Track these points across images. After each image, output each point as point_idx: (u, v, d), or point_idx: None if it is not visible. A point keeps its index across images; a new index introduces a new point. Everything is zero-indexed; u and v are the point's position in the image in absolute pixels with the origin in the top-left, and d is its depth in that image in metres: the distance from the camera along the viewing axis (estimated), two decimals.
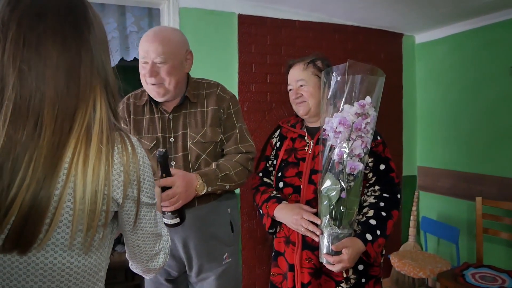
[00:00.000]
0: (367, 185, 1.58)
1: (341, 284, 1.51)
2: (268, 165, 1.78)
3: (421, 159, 3.24)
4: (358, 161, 1.35)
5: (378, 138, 1.60)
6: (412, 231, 3.08)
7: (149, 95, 1.48)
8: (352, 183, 1.38)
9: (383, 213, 1.49)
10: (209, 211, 1.49)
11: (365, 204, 1.55)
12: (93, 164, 0.71)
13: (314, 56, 1.69)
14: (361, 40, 2.91)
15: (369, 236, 1.44)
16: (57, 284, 0.74)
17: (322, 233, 1.44)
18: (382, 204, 1.51)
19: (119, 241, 4.10)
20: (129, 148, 0.77)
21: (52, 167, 0.68)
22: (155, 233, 0.89)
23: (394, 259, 2.64)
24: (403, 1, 2.41)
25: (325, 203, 1.40)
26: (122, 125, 1.49)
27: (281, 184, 1.66)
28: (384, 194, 1.54)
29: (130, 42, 2.62)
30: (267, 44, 2.59)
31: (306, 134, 1.67)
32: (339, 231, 1.40)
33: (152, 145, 1.46)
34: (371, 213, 1.50)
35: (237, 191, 1.61)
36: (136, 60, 2.71)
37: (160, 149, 1.26)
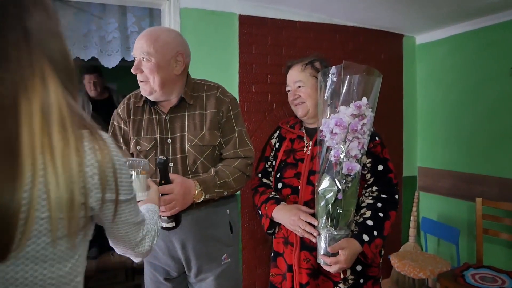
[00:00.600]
0: (365, 185, 1.58)
1: (339, 285, 1.52)
2: (267, 165, 1.78)
3: (421, 159, 3.24)
4: (355, 162, 1.35)
5: (377, 139, 1.60)
6: (412, 231, 3.08)
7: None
8: (349, 184, 1.38)
9: (381, 214, 1.49)
10: (208, 213, 1.48)
11: (362, 205, 1.55)
12: (61, 154, 0.63)
13: (313, 57, 1.69)
14: (362, 41, 2.91)
15: (365, 237, 1.44)
16: None
17: (319, 234, 1.44)
18: (379, 204, 1.51)
19: None
20: (101, 146, 0.70)
21: (10, 168, 0.60)
22: (137, 222, 0.86)
23: (394, 259, 2.64)
24: (403, 2, 2.41)
25: (321, 204, 1.41)
26: (123, 125, 1.51)
27: (279, 185, 1.67)
28: (382, 195, 1.54)
29: (131, 42, 2.62)
30: (267, 45, 2.59)
31: (305, 135, 1.67)
32: (335, 232, 1.40)
33: (150, 146, 1.46)
34: (368, 213, 1.50)
35: (238, 191, 1.61)
36: None
37: (161, 157, 1.27)
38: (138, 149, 1.47)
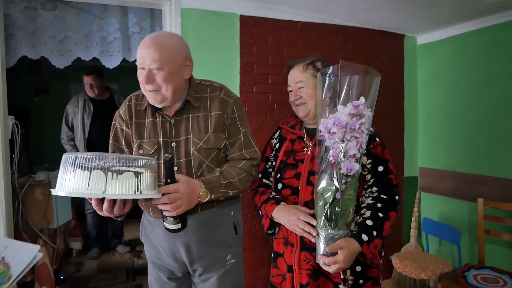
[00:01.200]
0: (365, 186, 1.58)
1: (339, 286, 1.51)
2: (267, 166, 1.78)
3: (422, 160, 3.24)
4: (354, 161, 1.35)
5: (377, 139, 1.59)
6: (413, 232, 3.07)
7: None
8: (348, 184, 1.38)
9: (380, 214, 1.48)
10: (212, 215, 1.47)
11: (362, 205, 1.54)
12: None
13: (314, 57, 1.68)
14: (363, 41, 2.91)
15: (365, 237, 1.43)
16: None
17: (318, 234, 1.44)
18: (379, 205, 1.50)
19: (120, 241, 4.11)
20: None
21: None
22: None
23: (395, 260, 2.63)
24: (405, 2, 2.41)
25: (320, 204, 1.40)
26: (125, 127, 1.48)
27: (279, 186, 1.66)
28: (382, 196, 1.53)
29: (132, 42, 2.63)
30: (268, 45, 2.59)
31: (305, 135, 1.67)
32: (334, 232, 1.40)
33: (153, 150, 1.43)
34: (368, 213, 1.49)
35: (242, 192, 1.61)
36: None
37: (167, 155, 1.25)
38: (140, 152, 1.44)
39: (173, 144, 1.43)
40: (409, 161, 3.20)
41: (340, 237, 1.41)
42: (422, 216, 3.15)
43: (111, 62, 2.60)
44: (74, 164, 1.11)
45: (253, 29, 2.54)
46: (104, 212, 1.23)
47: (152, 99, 1.39)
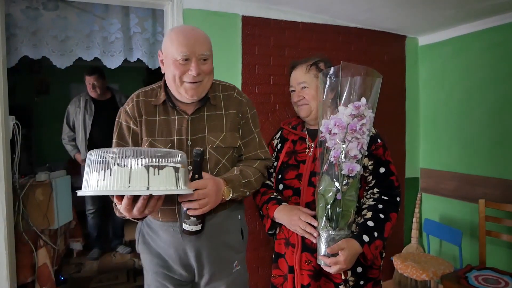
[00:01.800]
0: (367, 188, 1.58)
1: (340, 287, 1.51)
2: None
3: (424, 161, 3.23)
4: (356, 162, 1.35)
5: (379, 141, 1.59)
6: (414, 233, 3.07)
7: (167, 95, 1.41)
8: (349, 185, 1.38)
9: (381, 215, 1.48)
10: (223, 219, 1.44)
11: (363, 206, 1.54)
12: None
13: (317, 57, 1.68)
14: (365, 42, 2.91)
15: (366, 238, 1.43)
16: None
17: (319, 234, 1.44)
18: (380, 206, 1.50)
19: (120, 242, 4.10)
20: None
21: None
22: None
23: (396, 261, 2.63)
24: (406, 3, 2.41)
25: (321, 204, 1.40)
26: (132, 125, 1.41)
27: (281, 186, 1.66)
28: (383, 197, 1.53)
29: (134, 43, 2.63)
30: (270, 46, 2.59)
31: (307, 136, 1.67)
32: (335, 233, 1.40)
33: (166, 149, 1.37)
34: (369, 215, 1.49)
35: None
36: (139, 61, 2.72)
37: (198, 148, 1.20)
38: None
39: (189, 142, 1.38)
40: (411, 162, 3.20)
41: (341, 238, 1.40)
42: (423, 217, 3.15)
43: (113, 62, 2.60)
44: (105, 161, 1.03)
45: (255, 29, 2.54)
46: (135, 212, 1.13)
47: (192, 91, 1.33)
